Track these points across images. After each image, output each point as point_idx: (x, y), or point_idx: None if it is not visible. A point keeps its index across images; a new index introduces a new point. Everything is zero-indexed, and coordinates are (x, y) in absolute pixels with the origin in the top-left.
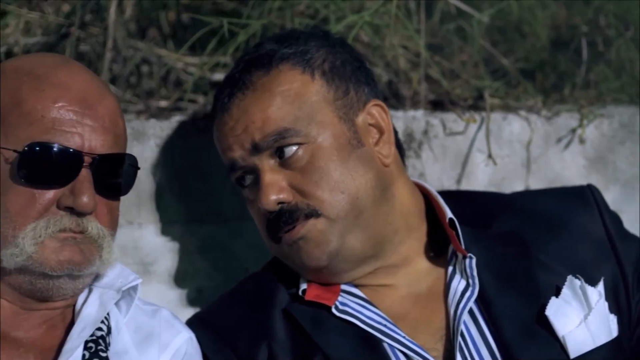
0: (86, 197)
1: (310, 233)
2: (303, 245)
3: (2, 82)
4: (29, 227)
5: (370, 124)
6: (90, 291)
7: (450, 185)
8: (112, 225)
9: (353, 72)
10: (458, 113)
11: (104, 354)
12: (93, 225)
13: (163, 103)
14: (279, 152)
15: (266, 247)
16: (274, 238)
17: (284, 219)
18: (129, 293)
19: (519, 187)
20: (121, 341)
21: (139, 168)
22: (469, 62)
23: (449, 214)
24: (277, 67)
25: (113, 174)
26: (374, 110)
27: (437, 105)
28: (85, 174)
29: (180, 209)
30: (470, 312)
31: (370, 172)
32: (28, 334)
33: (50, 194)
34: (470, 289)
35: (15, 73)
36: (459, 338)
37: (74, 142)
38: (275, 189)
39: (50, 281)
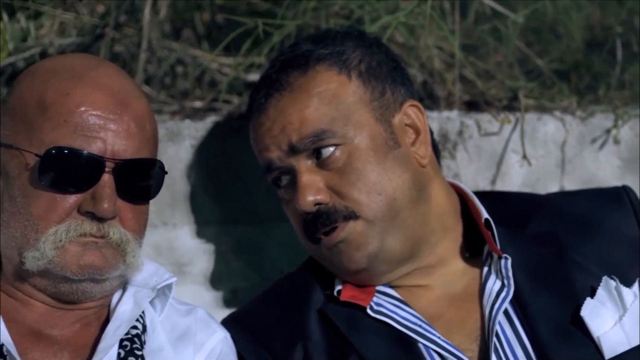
0: (106, 203)
1: (351, 236)
2: (344, 249)
3: (30, 85)
4: (50, 232)
5: (406, 124)
6: (124, 289)
7: (484, 186)
8: (138, 229)
9: (389, 72)
10: (493, 114)
11: (139, 352)
12: (115, 230)
13: (198, 104)
14: (316, 153)
15: (301, 248)
16: (312, 239)
17: (321, 220)
18: (163, 292)
19: (553, 187)
20: (156, 339)
21: (166, 172)
22: (503, 63)
23: (485, 214)
24: (314, 68)
25: (138, 179)
26: (410, 111)
27: (472, 105)
28: (107, 179)
29: (215, 209)
30: (506, 312)
31: (406, 173)
32: (62, 331)
33: (71, 198)
34: (505, 289)
35: (43, 76)
36: (494, 339)
37: (96, 147)
38: (313, 190)
39: (74, 285)
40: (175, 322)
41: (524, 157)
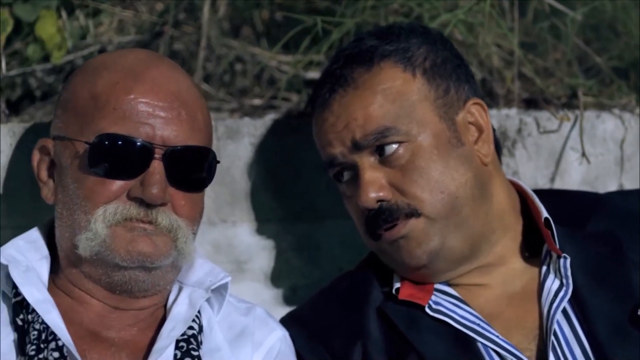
0: (155, 189)
1: (412, 232)
2: (404, 244)
3: (82, 78)
4: (99, 211)
5: (469, 122)
6: (180, 290)
7: (544, 183)
8: (192, 215)
9: (453, 70)
10: (552, 111)
11: (195, 353)
12: (164, 217)
13: (257, 101)
14: (379, 150)
15: (360, 245)
16: (373, 235)
17: (383, 217)
18: (219, 292)
19: (612, 185)
20: (214, 339)
21: (218, 161)
22: (562, 60)
23: (545, 213)
24: (379, 65)
25: (190, 167)
26: (474, 109)
27: (531, 103)
28: (156, 165)
29: (274, 207)
30: (564, 311)
31: (469, 172)
32: (119, 333)
33: (120, 183)
34: (564, 288)
35: (95, 69)
36: (552, 337)
37: (144, 134)
38: (375, 186)
39: (125, 272)
40: (234, 320)
41: (583, 154)
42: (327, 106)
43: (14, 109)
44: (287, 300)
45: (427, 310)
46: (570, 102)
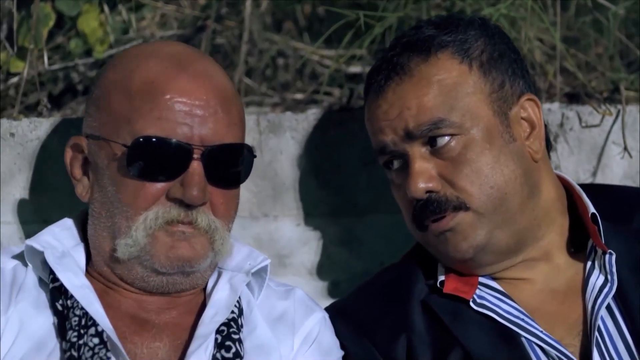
0: (195, 190)
1: (460, 226)
2: (450, 237)
3: (114, 75)
4: (140, 219)
5: (522, 118)
6: (219, 275)
7: (585, 178)
8: (228, 214)
9: (510, 64)
10: (594, 106)
11: (236, 336)
12: (203, 217)
13: (299, 96)
14: (430, 141)
15: (401, 239)
16: (420, 226)
17: (431, 208)
18: (259, 274)
19: None
20: (254, 322)
21: (255, 156)
22: (604, 55)
23: (592, 208)
24: (436, 55)
25: (227, 164)
26: (527, 105)
27: (573, 98)
28: (195, 165)
29: (315, 201)
30: (608, 307)
31: (520, 168)
32: (159, 316)
33: (160, 185)
34: (608, 284)
35: (128, 66)
36: (596, 333)
37: (183, 135)
38: (425, 177)
39: (163, 278)
40: (273, 304)
41: (625, 149)
42: (382, 93)
43: (56, 103)
44: (329, 295)
45: (472, 304)
46: (612, 97)
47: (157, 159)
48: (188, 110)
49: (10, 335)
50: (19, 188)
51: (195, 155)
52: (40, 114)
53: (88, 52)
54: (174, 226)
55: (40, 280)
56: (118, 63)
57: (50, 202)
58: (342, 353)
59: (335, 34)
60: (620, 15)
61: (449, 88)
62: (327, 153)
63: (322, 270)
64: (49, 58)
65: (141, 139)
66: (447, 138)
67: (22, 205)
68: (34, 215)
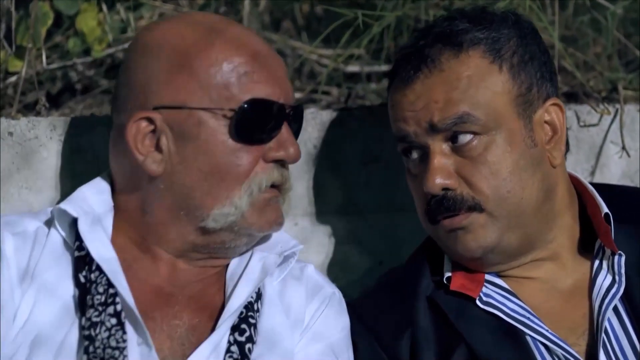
0: (294, 148)
1: (472, 225)
2: (461, 236)
3: (195, 46)
4: (244, 187)
5: (545, 121)
6: (251, 255)
7: (584, 177)
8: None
9: (539, 67)
10: (592, 105)
11: (252, 320)
12: (289, 177)
13: (297, 95)
14: (452, 137)
15: (401, 239)
16: (432, 220)
17: (446, 205)
18: (286, 259)
19: None
20: (269, 305)
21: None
22: (602, 54)
23: (605, 208)
24: (467, 52)
25: (299, 126)
26: (552, 109)
27: (571, 97)
28: (286, 124)
29: (314, 201)
30: (615, 308)
31: (538, 173)
32: (184, 290)
33: (259, 149)
34: (616, 285)
35: (207, 35)
36: (602, 334)
37: (275, 94)
38: (444, 173)
39: (245, 239)
40: (288, 286)
41: (623, 148)
42: (410, 83)
43: (54, 102)
44: None
45: (478, 302)
46: (610, 96)
47: (260, 121)
48: (274, 71)
49: (32, 296)
50: (17, 187)
51: (287, 115)
52: (38, 113)
53: (86, 51)
54: (268, 192)
55: (65, 244)
56: (185, 34)
57: (49, 201)
58: (344, 332)
59: (333, 33)
60: (619, 14)
61: (478, 86)
62: (326, 152)
63: (321, 269)
64: (47, 57)
65: (250, 103)
66: (469, 136)
67: (20, 204)
68: None
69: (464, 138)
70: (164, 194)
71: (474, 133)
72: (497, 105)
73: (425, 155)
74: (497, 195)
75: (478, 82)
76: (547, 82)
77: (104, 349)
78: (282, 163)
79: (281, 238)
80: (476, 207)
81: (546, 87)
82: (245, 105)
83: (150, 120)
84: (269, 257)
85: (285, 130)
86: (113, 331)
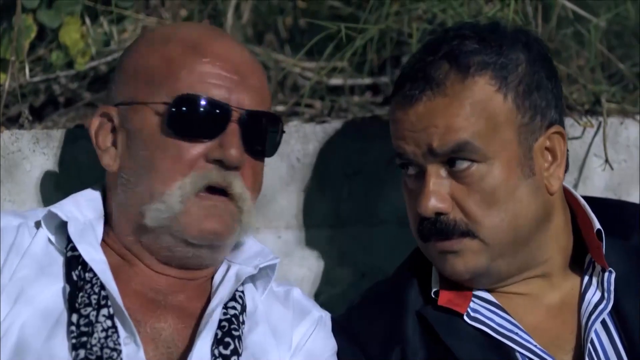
0: (235, 150)
1: (463, 251)
2: (451, 259)
3: (151, 45)
4: (177, 185)
5: (546, 148)
6: (228, 267)
7: None
8: (256, 187)
9: (545, 94)
10: (575, 118)
11: (236, 333)
12: (237, 183)
13: (280, 107)
14: (450, 162)
15: (383, 251)
16: (423, 237)
17: (439, 227)
18: (266, 273)
19: (635, 192)
20: (256, 320)
21: (284, 131)
22: (585, 67)
23: (597, 224)
24: (473, 78)
25: (259, 133)
26: (554, 137)
27: None
28: (233, 127)
29: (297, 213)
30: (604, 323)
31: (534, 203)
32: (167, 298)
33: (199, 147)
34: (604, 302)
35: (163, 37)
36: (590, 347)
37: (221, 95)
38: (438, 197)
39: (191, 249)
40: (275, 307)
41: (606, 161)
42: (413, 103)
43: (38, 115)
44: None
45: (465, 318)
46: (593, 109)
47: (198, 118)
48: (227, 75)
49: (7, 301)
50: (0, 200)
51: (233, 117)
52: (21, 126)
53: (69, 64)
54: (206, 198)
55: (50, 246)
56: (151, 37)
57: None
58: (333, 354)
59: (316, 46)
60: (602, 27)
61: (480, 113)
62: (309, 165)
63: (304, 281)
64: (30, 70)
65: (183, 97)
66: (467, 163)
67: None
68: None
69: (462, 164)
70: (118, 191)
71: (472, 160)
72: (499, 134)
73: (422, 174)
74: (491, 224)
75: (481, 111)
76: (551, 110)
77: (101, 348)
78: (225, 166)
79: (261, 252)
80: (469, 234)
81: (550, 114)
82: (176, 100)
83: (108, 116)
84: (244, 269)
85: (230, 132)
86: (109, 332)
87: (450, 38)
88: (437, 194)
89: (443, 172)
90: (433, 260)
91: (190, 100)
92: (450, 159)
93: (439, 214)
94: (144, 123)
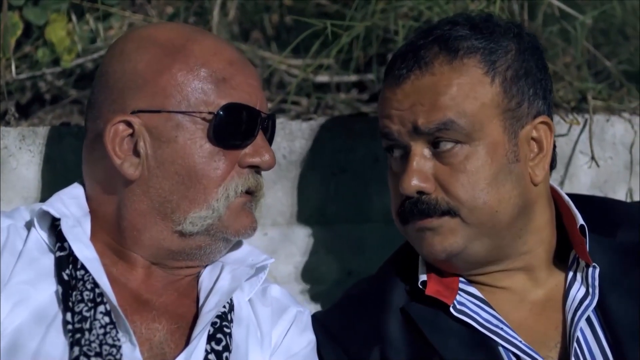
0: (269, 155)
1: (441, 228)
2: (428, 236)
3: (169, 55)
4: (220, 190)
5: (532, 138)
6: (222, 267)
7: None
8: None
9: (533, 84)
10: (561, 115)
11: (227, 330)
12: (263, 184)
13: None
14: (435, 142)
15: (369, 249)
16: (403, 219)
17: (420, 208)
18: (256, 272)
19: (621, 189)
20: (239, 319)
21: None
22: (572, 65)
23: (580, 220)
24: (462, 60)
25: (272, 133)
26: (541, 127)
27: None
28: (261, 132)
29: (283, 210)
30: (588, 320)
31: (516, 190)
32: (160, 298)
33: (236, 153)
34: (589, 297)
35: (177, 46)
36: (575, 344)
37: (252, 102)
38: (421, 176)
39: (220, 243)
40: (256, 307)
41: (593, 158)
42: (400, 82)
43: (24, 112)
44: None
45: (452, 310)
46: (579, 106)
47: (239, 127)
48: (249, 81)
49: (7, 303)
50: None
51: (261, 123)
52: (7, 123)
53: (56, 62)
54: (243, 196)
55: (44, 247)
56: (163, 41)
57: None
58: (310, 346)
59: (302, 43)
60: (588, 25)
61: (467, 95)
62: (295, 162)
63: (290, 279)
64: (16, 67)
65: (226, 107)
66: (451, 144)
67: None
68: None
69: (446, 145)
70: (140, 199)
71: (457, 141)
72: (484, 117)
73: (406, 156)
74: (473, 205)
75: (468, 91)
76: (539, 99)
77: (100, 345)
78: (256, 169)
79: (251, 252)
80: (450, 212)
81: (538, 104)
82: (223, 110)
83: (128, 124)
84: (238, 270)
85: (260, 137)
86: (108, 329)
87: (443, 24)
88: (420, 172)
89: (427, 152)
90: (412, 241)
91: (234, 110)
92: (435, 140)
93: (421, 193)
94: (179, 132)
